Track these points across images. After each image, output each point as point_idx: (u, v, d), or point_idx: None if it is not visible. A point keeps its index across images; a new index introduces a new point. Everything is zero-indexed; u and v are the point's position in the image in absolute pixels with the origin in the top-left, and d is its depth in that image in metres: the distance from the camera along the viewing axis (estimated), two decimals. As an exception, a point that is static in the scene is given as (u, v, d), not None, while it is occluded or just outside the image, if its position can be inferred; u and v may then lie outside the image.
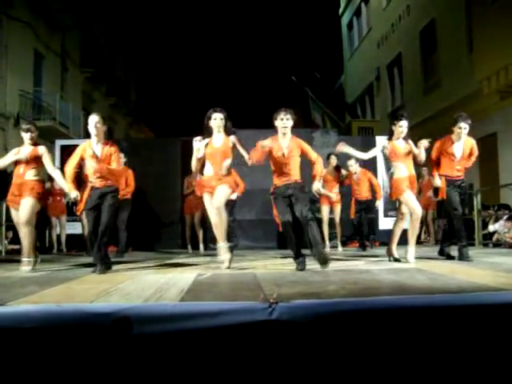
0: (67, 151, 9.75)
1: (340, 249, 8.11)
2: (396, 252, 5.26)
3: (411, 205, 5.02)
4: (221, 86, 29.73)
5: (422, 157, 5.11)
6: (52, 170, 5.11)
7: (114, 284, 3.39)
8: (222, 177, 4.75)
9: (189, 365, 2.25)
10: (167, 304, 2.54)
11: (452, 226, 5.40)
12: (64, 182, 4.91)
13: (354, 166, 7.80)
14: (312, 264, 4.48)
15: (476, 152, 5.37)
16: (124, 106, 23.18)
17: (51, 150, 10.81)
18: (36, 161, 4.99)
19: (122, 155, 6.68)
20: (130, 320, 2.25)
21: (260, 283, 3.32)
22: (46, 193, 6.00)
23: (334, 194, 7.88)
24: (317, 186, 4.72)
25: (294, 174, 4.65)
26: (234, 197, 7.62)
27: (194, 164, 4.87)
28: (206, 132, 4.83)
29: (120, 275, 4.19)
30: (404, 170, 5.08)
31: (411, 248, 5.11)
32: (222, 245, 4.75)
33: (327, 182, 7.77)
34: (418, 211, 5.01)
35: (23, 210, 4.85)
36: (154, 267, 5.10)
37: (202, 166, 4.91)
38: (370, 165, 8.41)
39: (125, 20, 22.94)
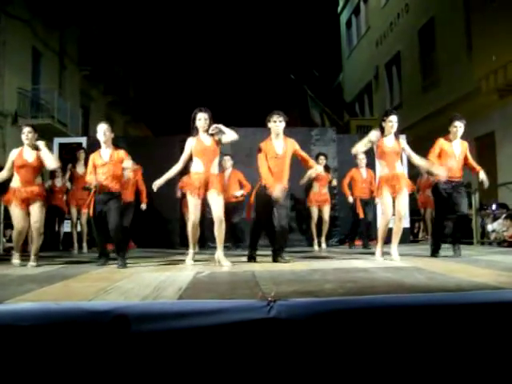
0: (65, 149, 9.74)
1: (324, 246, 8.07)
2: None
3: (383, 207, 5.14)
4: (219, 84, 29.68)
5: (414, 159, 5.13)
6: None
7: (112, 282, 3.39)
8: (213, 178, 4.83)
9: (187, 363, 2.25)
10: (165, 302, 2.53)
11: (437, 224, 5.58)
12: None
13: (365, 159, 7.66)
14: (312, 263, 4.47)
15: (468, 154, 5.42)
16: (122, 104, 23.10)
17: (49, 148, 10.83)
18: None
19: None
20: (128, 318, 2.25)
21: (258, 281, 3.32)
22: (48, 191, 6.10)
23: (324, 192, 7.92)
24: (318, 168, 5.43)
25: (285, 176, 4.96)
26: (238, 193, 7.68)
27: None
28: (194, 131, 4.96)
29: (118, 273, 4.19)
30: (387, 169, 5.05)
31: (378, 248, 5.18)
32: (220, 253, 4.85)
33: (319, 181, 7.78)
34: (387, 216, 5.04)
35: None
36: (152, 265, 5.10)
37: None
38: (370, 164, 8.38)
39: (123, 18, 22.86)
